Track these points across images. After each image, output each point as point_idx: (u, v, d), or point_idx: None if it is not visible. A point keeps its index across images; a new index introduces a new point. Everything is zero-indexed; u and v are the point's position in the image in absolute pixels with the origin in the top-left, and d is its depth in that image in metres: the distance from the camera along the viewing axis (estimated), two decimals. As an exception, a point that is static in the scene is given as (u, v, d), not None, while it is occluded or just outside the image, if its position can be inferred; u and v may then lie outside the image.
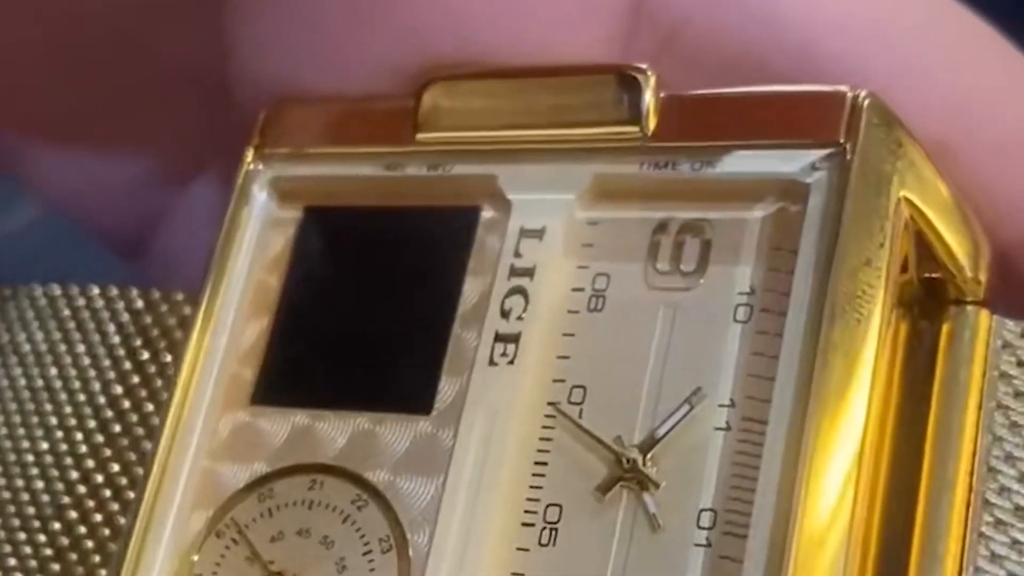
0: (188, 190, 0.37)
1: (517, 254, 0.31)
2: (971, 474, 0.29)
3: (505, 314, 0.31)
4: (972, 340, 0.30)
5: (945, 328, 0.30)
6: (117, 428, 0.34)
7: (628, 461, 0.29)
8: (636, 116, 0.31)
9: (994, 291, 0.31)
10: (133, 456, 0.34)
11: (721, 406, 0.29)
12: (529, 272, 0.31)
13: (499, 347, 0.30)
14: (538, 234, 0.31)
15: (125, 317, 0.35)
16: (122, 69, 0.34)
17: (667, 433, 0.29)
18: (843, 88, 0.29)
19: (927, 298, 0.30)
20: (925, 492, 0.29)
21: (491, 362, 0.30)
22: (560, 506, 0.29)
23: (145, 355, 0.35)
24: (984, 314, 0.30)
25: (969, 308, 0.30)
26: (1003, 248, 0.31)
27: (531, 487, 0.29)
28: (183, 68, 0.34)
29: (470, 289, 0.31)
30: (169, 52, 0.34)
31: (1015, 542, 0.29)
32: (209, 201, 0.34)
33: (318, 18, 0.32)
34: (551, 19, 0.31)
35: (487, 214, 0.32)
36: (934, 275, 0.30)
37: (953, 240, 0.30)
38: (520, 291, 0.31)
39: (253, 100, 0.33)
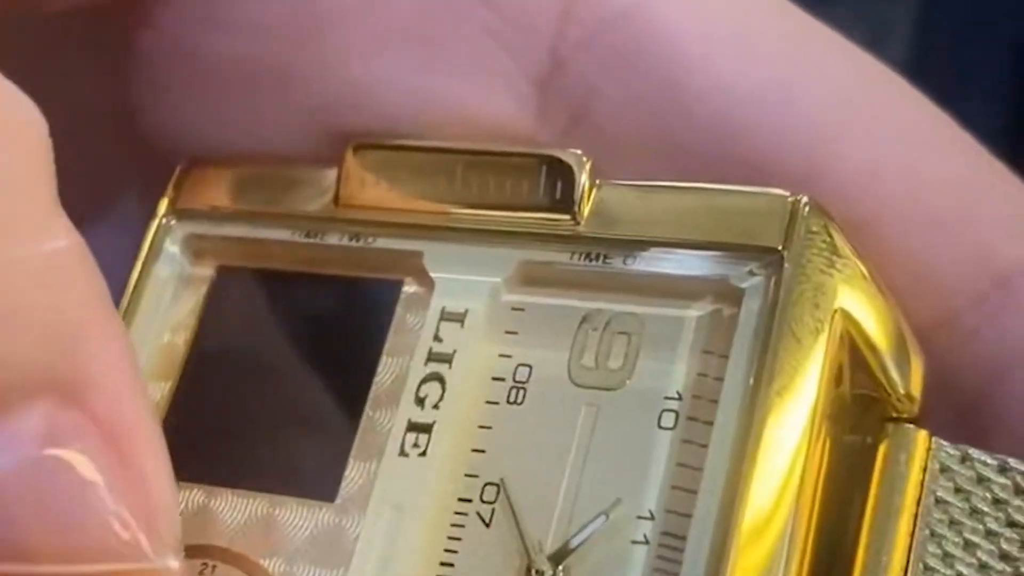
0: (98, 227, 0.35)
1: (437, 338, 0.29)
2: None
3: (420, 401, 0.29)
4: (908, 462, 0.28)
5: (881, 447, 0.29)
6: None
7: (538, 573, 0.27)
8: (568, 204, 0.29)
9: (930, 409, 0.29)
10: None
11: (640, 518, 0.27)
12: (448, 359, 0.29)
13: (411, 437, 0.29)
14: (460, 318, 0.29)
15: None
16: None
17: (581, 543, 0.27)
18: (783, 192, 0.28)
19: (860, 413, 0.29)
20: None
21: (402, 452, 0.29)
22: (465, 612, 0.27)
23: None
24: (922, 434, 0.29)
25: (906, 427, 0.29)
26: (923, 330, 0.29)
27: None
28: (92, 106, 0.32)
29: (385, 369, 0.30)
30: (78, 92, 0.32)
31: None
32: (121, 240, 0.32)
33: (220, 90, 0.30)
34: (458, 89, 0.30)
35: (409, 289, 0.30)
36: (868, 392, 0.29)
37: (890, 355, 0.29)
38: (438, 378, 0.29)
39: (165, 149, 0.31)
